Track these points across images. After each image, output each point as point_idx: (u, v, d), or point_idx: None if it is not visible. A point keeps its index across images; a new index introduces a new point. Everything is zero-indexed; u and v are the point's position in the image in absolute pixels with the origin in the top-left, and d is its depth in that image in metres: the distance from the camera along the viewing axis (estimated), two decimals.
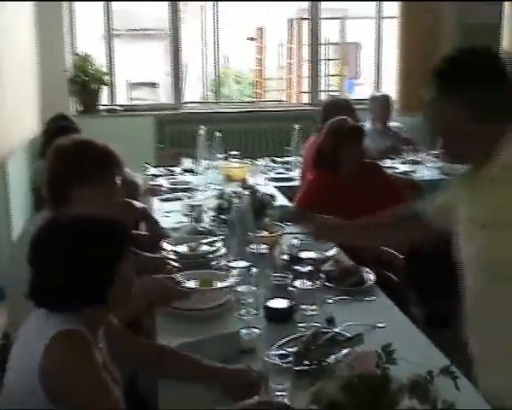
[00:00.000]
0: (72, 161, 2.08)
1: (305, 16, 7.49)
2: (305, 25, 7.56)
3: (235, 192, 3.16)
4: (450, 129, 1.68)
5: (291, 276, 2.31)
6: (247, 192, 2.88)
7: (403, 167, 4.82)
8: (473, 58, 1.68)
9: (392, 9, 6.48)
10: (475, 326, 1.76)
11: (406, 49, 6.26)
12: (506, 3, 6.26)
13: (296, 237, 2.91)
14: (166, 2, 6.37)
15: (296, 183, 4.38)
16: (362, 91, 6.45)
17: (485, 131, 1.65)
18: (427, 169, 4.81)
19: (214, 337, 2.00)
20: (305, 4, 6.82)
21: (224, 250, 2.56)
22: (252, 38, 11.71)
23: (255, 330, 2.06)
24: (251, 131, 6.39)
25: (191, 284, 2.32)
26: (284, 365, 1.69)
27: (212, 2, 8.40)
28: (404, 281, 2.82)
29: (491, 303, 1.68)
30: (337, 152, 3.39)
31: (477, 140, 1.66)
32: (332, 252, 2.78)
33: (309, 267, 2.31)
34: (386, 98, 5.73)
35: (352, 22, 8.81)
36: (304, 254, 2.68)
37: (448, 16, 6.16)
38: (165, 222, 3.22)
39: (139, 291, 1.90)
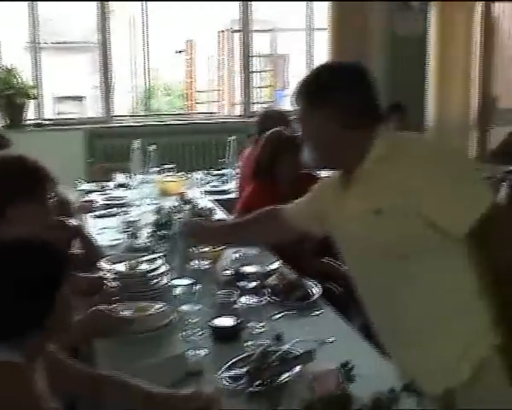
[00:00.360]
0: (3, 178, 1.95)
1: (235, 28, 7.46)
2: (236, 37, 7.54)
3: (173, 207, 3.07)
4: (324, 139, 1.78)
5: (236, 292, 2.24)
6: (187, 207, 2.80)
7: None
8: (337, 72, 1.80)
9: (322, 22, 6.53)
10: (381, 316, 1.83)
11: (336, 58, 6.32)
12: (432, 16, 6.41)
13: (238, 252, 2.86)
14: (95, 14, 6.22)
15: (233, 195, 4.33)
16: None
17: (355, 137, 1.75)
18: None
19: (159, 361, 1.91)
20: (236, 16, 6.80)
21: (164, 268, 2.46)
22: (180, 51, 11.62)
23: (201, 350, 1.98)
24: (184, 144, 6.30)
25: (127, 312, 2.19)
26: (237, 387, 1.62)
27: (141, 15, 8.27)
28: (346, 292, 2.79)
29: (392, 283, 1.75)
30: (274, 163, 3.35)
31: (350, 146, 1.76)
32: (275, 265, 2.74)
33: (254, 283, 2.26)
34: None
35: (283, 34, 8.86)
36: (246, 269, 2.62)
37: (377, 28, 6.26)
38: (101, 239, 3.10)
39: (80, 323, 1.80)
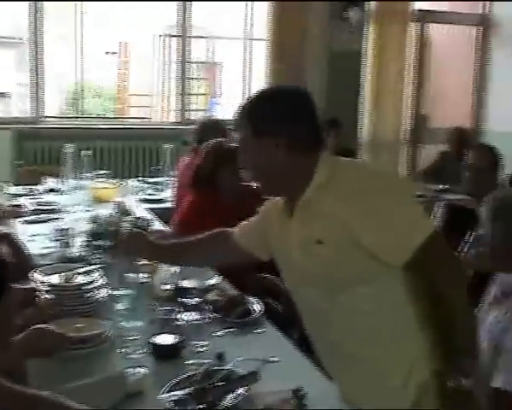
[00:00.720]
0: None
1: (173, 33, 7.36)
2: (174, 42, 7.45)
3: (110, 216, 2.96)
4: (267, 168, 1.76)
5: (177, 309, 2.18)
6: (127, 217, 2.70)
7: None
8: (280, 98, 1.77)
9: (261, 32, 6.54)
10: (320, 339, 1.86)
11: (275, 73, 6.33)
12: (369, 32, 6.51)
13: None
14: (26, 9, 6.00)
15: (168, 204, 4.25)
16: (227, 112, 6.43)
17: (300, 164, 1.74)
18: None
19: (97, 380, 1.82)
20: (174, 21, 6.71)
21: (102, 281, 2.37)
22: (113, 53, 11.39)
23: (142, 369, 1.90)
24: (117, 149, 6.15)
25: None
26: None
27: (74, 14, 8.05)
28: (287, 309, 2.76)
29: (332, 310, 1.76)
30: (215, 174, 3.31)
31: (294, 174, 1.75)
32: (214, 280, 2.69)
33: (196, 299, 2.20)
34: None
35: (219, 42, 8.83)
36: (186, 284, 2.55)
37: (314, 42, 6.30)
38: (31, 247, 2.95)
39: (20, 342, 1.69)
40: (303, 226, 1.76)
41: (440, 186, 5.21)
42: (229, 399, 1.74)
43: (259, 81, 6.53)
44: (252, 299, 2.48)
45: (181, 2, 6.47)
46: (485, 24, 7.02)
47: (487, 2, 6.94)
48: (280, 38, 6.29)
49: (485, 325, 2.10)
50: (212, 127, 4.37)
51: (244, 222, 2.18)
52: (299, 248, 1.77)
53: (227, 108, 7.13)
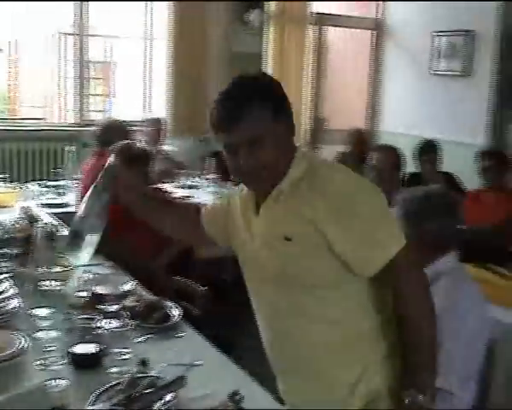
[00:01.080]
0: None
1: (69, 32, 7.15)
2: (70, 41, 7.24)
3: (17, 222, 2.84)
4: (276, 155, 1.70)
5: (96, 316, 2.11)
6: (37, 223, 2.59)
7: (180, 192, 4.78)
8: (264, 81, 1.75)
9: (161, 33, 6.47)
10: (273, 339, 1.84)
11: (176, 73, 6.29)
12: (268, 34, 6.59)
13: (89, 271, 2.71)
14: None
15: (72, 208, 4.11)
16: (124, 112, 6.32)
17: (286, 153, 1.72)
18: (204, 193, 4.84)
19: (17, 395, 1.73)
20: (71, 21, 6.51)
21: (13, 291, 2.26)
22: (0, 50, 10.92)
23: (63, 381, 1.83)
24: (12, 152, 5.89)
25: None
26: None
27: None
28: (205, 313, 2.76)
29: (290, 310, 1.74)
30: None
31: (281, 162, 1.71)
32: (129, 286, 2.63)
33: (115, 306, 2.14)
34: (158, 121, 5.68)
35: (116, 42, 8.65)
36: (102, 290, 2.49)
37: (215, 43, 6.32)
38: None
39: None
40: (270, 222, 1.72)
41: None
42: (157, 406, 1.71)
43: (159, 81, 6.47)
44: (169, 303, 2.45)
45: (78, 2, 6.29)
46: (378, 28, 7.30)
47: (380, 6, 7.21)
48: (181, 38, 6.25)
49: None
50: (115, 129, 4.29)
51: (210, 204, 2.12)
52: (264, 244, 1.73)
53: (124, 109, 6.99)
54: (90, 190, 1.97)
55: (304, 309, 1.69)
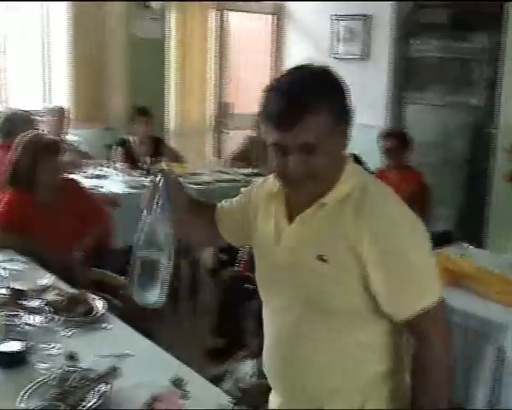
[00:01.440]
0: None
1: None
2: None
3: None
4: (328, 164, 1.53)
5: (18, 313, 2.06)
6: None
7: (88, 182, 4.65)
8: (338, 78, 1.54)
9: (61, 22, 6.25)
10: (277, 348, 1.66)
11: (76, 60, 6.12)
12: (171, 19, 6.52)
13: (3, 268, 2.64)
14: None
15: None
16: (31, 103, 6.08)
17: (339, 162, 1.58)
18: (112, 183, 4.76)
19: None
20: None
21: None
22: None
23: None
24: None
25: None
26: None
27: None
28: (125, 304, 2.72)
29: (308, 330, 1.59)
30: (35, 169, 3.16)
31: (332, 166, 1.54)
32: (46, 280, 2.57)
33: (38, 301, 2.10)
34: (60, 110, 5.52)
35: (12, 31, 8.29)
36: (18, 285, 2.42)
37: (117, 30, 6.19)
38: None
39: None
40: (306, 235, 1.54)
41: (249, 170, 5.42)
42: (91, 399, 1.70)
43: (60, 70, 6.26)
44: (93, 296, 2.42)
45: None
46: (279, 12, 7.37)
47: None
48: (80, 24, 6.07)
49: None
50: (19, 120, 4.15)
51: (226, 202, 1.87)
52: (292, 257, 1.56)
53: (21, 98, 6.70)
54: (144, 212, 1.62)
55: (315, 332, 1.56)
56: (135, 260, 1.58)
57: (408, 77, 6.15)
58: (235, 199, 1.85)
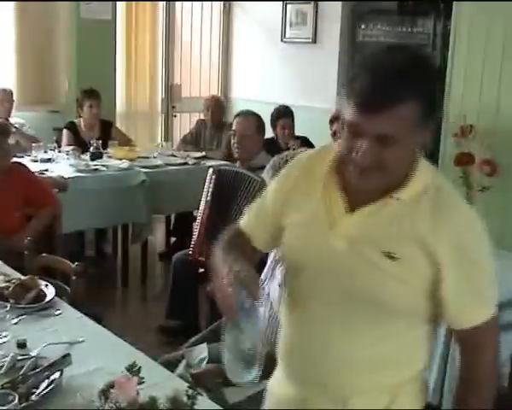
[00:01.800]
0: None
1: None
2: None
3: None
4: (406, 160, 1.43)
5: None
6: None
7: (35, 166, 4.55)
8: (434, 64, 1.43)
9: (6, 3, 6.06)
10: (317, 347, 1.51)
11: (22, 43, 5.95)
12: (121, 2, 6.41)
13: None
14: None
15: None
16: None
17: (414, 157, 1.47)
18: (60, 167, 4.66)
19: None
20: None
21: None
22: None
23: None
24: None
25: None
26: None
27: None
28: (75, 288, 2.67)
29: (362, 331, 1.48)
30: None
31: (409, 160, 1.43)
32: None
33: None
34: (5, 92, 5.38)
35: None
36: None
37: (63, 11, 6.04)
38: None
39: None
40: (372, 229, 1.42)
41: (200, 153, 5.40)
42: (43, 387, 1.68)
43: (4, 50, 6.09)
44: (42, 282, 2.37)
45: None
46: None
47: None
48: (27, 6, 5.90)
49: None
50: None
51: (249, 217, 1.65)
52: (350, 245, 1.43)
53: None
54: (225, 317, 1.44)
55: (361, 330, 1.46)
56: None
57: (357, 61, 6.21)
58: (257, 207, 1.64)
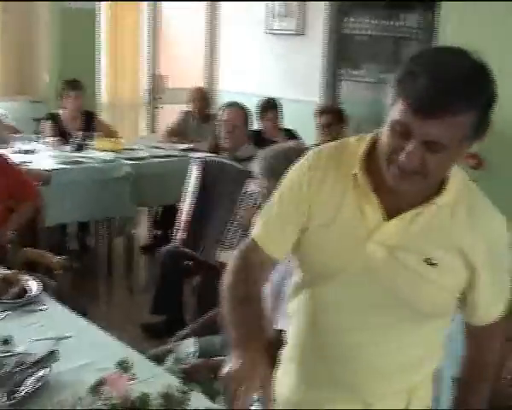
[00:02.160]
0: None
1: None
2: None
3: None
4: (447, 168, 1.40)
5: None
6: None
7: (16, 157, 4.45)
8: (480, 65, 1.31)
9: None
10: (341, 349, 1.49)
11: (2, 32, 5.85)
12: None
13: None
14: None
15: None
16: None
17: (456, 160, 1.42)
18: (41, 158, 4.58)
19: None
20: None
21: None
22: None
23: None
24: None
25: None
26: None
27: None
28: (59, 283, 2.63)
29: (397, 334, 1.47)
30: None
31: (448, 168, 1.39)
32: None
33: None
34: None
35: None
36: None
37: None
38: None
39: None
40: (412, 234, 1.39)
41: (185, 145, 5.35)
42: (29, 383, 1.63)
43: None
44: (26, 276, 2.32)
45: None
46: None
47: None
48: None
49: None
50: None
51: (263, 230, 1.53)
52: (390, 254, 1.39)
53: None
54: None
55: (390, 333, 1.46)
56: None
57: (342, 54, 6.17)
58: (274, 216, 1.52)
